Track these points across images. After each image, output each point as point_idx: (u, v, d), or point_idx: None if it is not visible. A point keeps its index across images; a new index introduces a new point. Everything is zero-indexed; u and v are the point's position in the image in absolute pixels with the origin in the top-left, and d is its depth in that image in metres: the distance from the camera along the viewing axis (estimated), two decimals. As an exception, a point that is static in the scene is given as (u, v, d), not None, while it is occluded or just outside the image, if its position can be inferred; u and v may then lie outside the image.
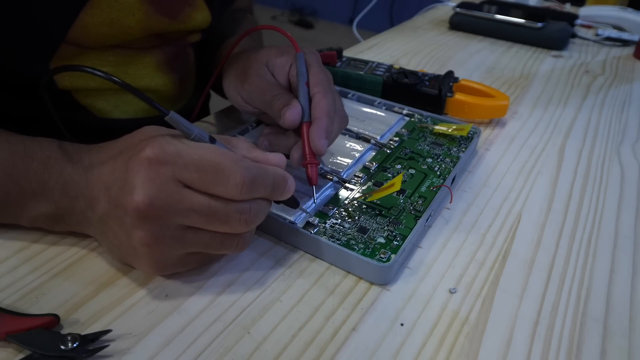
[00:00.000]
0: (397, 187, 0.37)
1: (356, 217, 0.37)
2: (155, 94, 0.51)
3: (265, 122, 0.45)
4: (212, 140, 0.30)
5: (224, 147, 0.31)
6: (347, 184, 0.41)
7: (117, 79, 0.27)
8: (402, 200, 0.39)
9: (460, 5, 0.92)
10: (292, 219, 0.36)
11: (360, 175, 0.41)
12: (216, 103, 0.68)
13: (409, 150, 0.46)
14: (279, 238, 0.37)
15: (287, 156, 0.40)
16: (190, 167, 0.28)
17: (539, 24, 0.84)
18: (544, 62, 0.79)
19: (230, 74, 0.44)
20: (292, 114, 0.37)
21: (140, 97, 0.28)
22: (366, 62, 0.61)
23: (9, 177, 0.31)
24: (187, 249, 0.30)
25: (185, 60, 0.54)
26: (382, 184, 0.41)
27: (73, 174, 0.31)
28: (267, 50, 0.42)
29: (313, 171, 0.37)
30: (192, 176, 0.28)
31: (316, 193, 0.38)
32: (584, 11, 0.99)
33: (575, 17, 0.95)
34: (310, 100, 0.39)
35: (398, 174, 0.42)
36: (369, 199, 0.38)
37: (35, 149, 0.32)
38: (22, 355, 0.27)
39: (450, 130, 0.48)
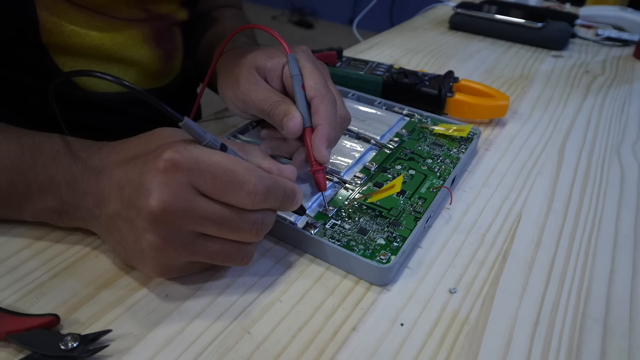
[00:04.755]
0: (397, 188, 0.37)
1: (356, 218, 0.37)
2: (141, 66, 0.51)
3: (265, 125, 0.45)
4: (224, 147, 0.30)
5: (234, 154, 0.30)
6: (347, 185, 0.41)
7: (126, 82, 0.27)
8: (402, 202, 0.39)
9: (460, 5, 0.91)
10: (292, 219, 0.36)
11: (361, 176, 0.41)
12: (209, 103, 0.68)
13: (409, 151, 0.46)
14: (279, 238, 0.37)
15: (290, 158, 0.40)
16: (206, 174, 0.28)
17: (539, 24, 0.84)
18: (544, 62, 0.79)
19: (222, 81, 0.43)
20: (293, 125, 0.36)
21: (152, 101, 0.27)
22: (366, 62, 0.61)
23: (15, 169, 0.32)
24: (194, 257, 0.30)
25: (171, 39, 0.55)
26: (382, 185, 0.41)
27: (83, 170, 0.31)
28: (256, 54, 0.40)
29: (321, 178, 0.37)
30: (207, 183, 0.28)
31: (317, 195, 0.38)
32: (584, 11, 0.99)
33: (575, 17, 0.95)
34: (308, 104, 0.38)
35: (398, 174, 0.42)
36: (369, 200, 0.38)
37: (44, 143, 0.33)
38: (22, 355, 0.27)
39: (450, 131, 0.48)
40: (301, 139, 0.38)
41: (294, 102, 0.38)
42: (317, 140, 0.36)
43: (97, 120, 0.51)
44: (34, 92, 0.46)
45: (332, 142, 0.37)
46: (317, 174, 0.37)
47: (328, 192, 0.40)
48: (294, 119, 0.36)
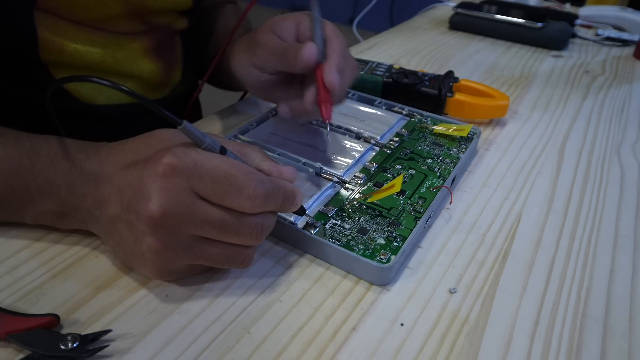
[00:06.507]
0: (397, 188, 0.37)
1: (356, 218, 0.37)
2: (141, 80, 0.51)
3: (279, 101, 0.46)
4: (223, 150, 0.30)
5: (234, 156, 0.30)
6: (347, 185, 0.41)
7: (125, 88, 0.27)
8: (402, 201, 0.39)
9: (460, 5, 0.91)
10: (292, 219, 0.36)
11: (361, 176, 0.41)
12: (209, 103, 0.68)
13: (409, 151, 0.46)
14: (279, 238, 0.37)
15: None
16: (205, 179, 0.28)
17: (539, 24, 0.84)
18: (544, 62, 0.79)
19: (239, 51, 0.45)
20: (308, 50, 0.37)
21: (150, 105, 0.27)
22: (366, 62, 0.61)
23: (14, 173, 0.32)
24: (194, 261, 0.30)
25: (172, 49, 0.55)
26: (382, 185, 0.41)
27: (82, 172, 0.31)
28: (271, 19, 0.43)
29: (327, 108, 0.38)
30: (207, 187, 0.28)
31: (316, 195, 0.38)
32: (584, 11, 0.99)
33: (575, 17, 0.95)
34: (324, 42, 0.40)
35: (398, 174, 0.42)
36: (369, 200, 0.38)
37: (41, 145, 0.32)
38: (22, 355, 0.27)
39: (450, 131, 0.48)
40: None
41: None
42: (327, 66, 0.38)
43: (97, 133, 0.51)
44: (33, 105, 0.46)
45: (343, 74, 0.39)
46: (323, 105, 0.38)
47: (328, 192, 0.40)
48: (309, 47, 0.38)
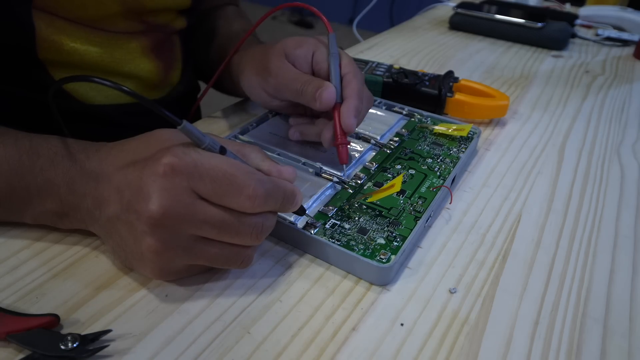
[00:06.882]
0: (397, 187, 0.37)
1: (356, 218, 0.37)
2: (139, 79, 0.51)
3: (289, 115, 0.46)
4: (223, 150, 0.30)
5: (234, 156, 0.30)
6: (347, 185, 0.41)
7: (126, 88, 0.27)
8: (402, 201, 0.39)
9: (460, 5, 0.91)
10: (292, 219, 0.36)
11: (361, 176, 0.41)
12: (209, 104, 0.68)
13: (409, 151, 0.46)
14: (279, 238, 0.37)
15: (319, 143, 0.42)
16: (205, 178, 0.28)
17: (539, 24, 0.84)
18: (544, 62, 0.79)
19: (248, 72, 0.45)
20: (328, 93, 0.38)
21: (150, 105, 0.27)
22: (366, 62, 0.61)
23: (14, 172, 0.32)
24: (194, 261, 0.30)
25: (170, 48, 0.55)
26: (382, 185, 0.41)
27: (82, 172, 0.31)
28: (284, 43, 0.43)
29: (344, 151, 0.39)
30: (207, 187, 0.28)
31: (316, 195, 0.38)
32: (584, 11, 0.99)
33: (575, 17, 0.95)
34: (340, 80, 0.40)
35: (398, 174, 0.42)
36: (369, 200, 0.38)
37: (41, 145, 0.32)
38: (22, 355, 0.27)
39: (450, 131, 0.48)
40: (329, 118, 0.40)
41: (327, 79, 0.40)
42: (346, 110, 0.38)
43: (96, 133, 0.51)
44: (31, 105, 0.46)
45: (359, 116, 0.39)
46: (341, 147, 0.39)
47: (328, 192, 0.40)
48: (329, 89, 0.38)
